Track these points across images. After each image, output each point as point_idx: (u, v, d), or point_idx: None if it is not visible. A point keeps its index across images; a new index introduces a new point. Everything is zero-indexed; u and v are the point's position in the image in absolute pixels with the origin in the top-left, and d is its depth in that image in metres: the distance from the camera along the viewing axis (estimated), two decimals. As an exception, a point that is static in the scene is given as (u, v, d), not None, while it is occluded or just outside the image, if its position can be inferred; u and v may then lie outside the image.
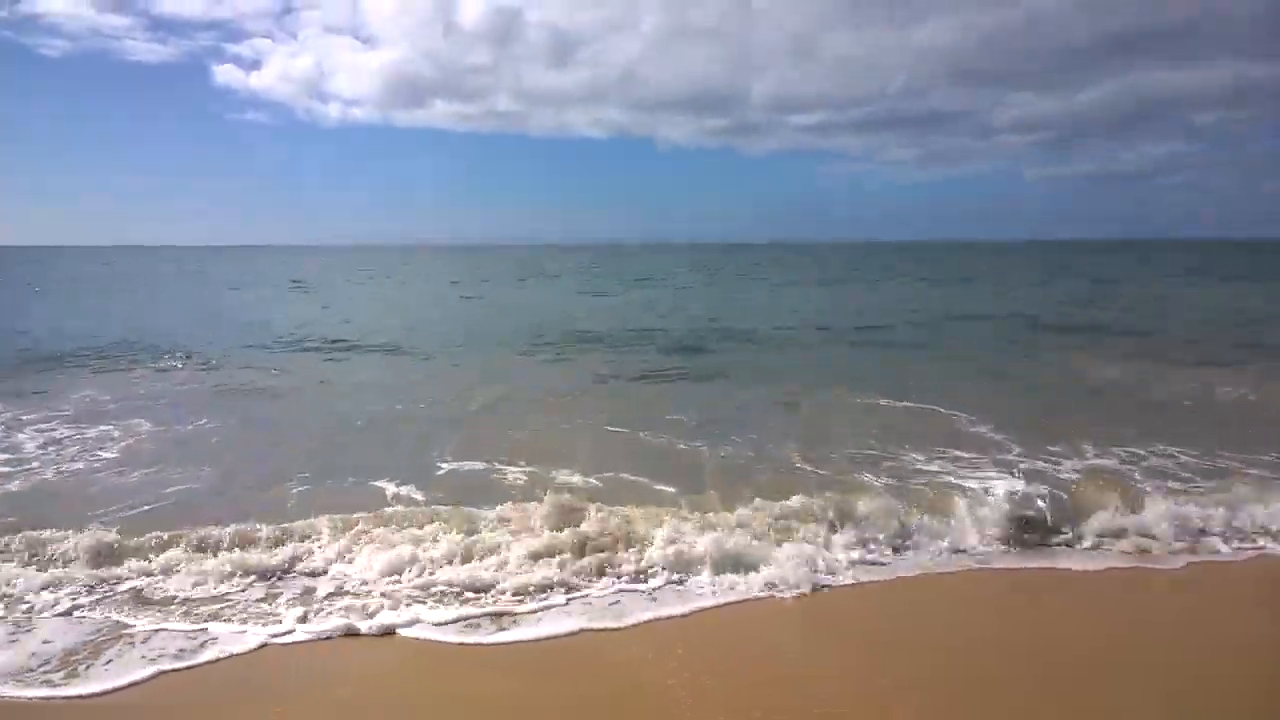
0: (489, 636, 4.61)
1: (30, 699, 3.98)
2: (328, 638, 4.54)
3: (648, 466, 7.75)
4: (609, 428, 9.45)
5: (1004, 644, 4.58)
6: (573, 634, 4.66)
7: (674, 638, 4.63)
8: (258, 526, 5.83)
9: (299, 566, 5.33)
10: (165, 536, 5.68)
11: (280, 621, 4.67)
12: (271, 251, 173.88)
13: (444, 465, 7.90)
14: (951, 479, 7.27)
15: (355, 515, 6.11)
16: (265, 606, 4.89)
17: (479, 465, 7.87)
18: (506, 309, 28.93)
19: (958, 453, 8.16)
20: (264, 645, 4.46)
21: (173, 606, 4.88)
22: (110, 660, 4.31)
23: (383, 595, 4.97)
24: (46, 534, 5.65)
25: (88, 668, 4.24)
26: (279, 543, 5.63)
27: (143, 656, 4.35)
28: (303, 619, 4.68)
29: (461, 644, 4.54)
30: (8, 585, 5.06)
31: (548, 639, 4.60)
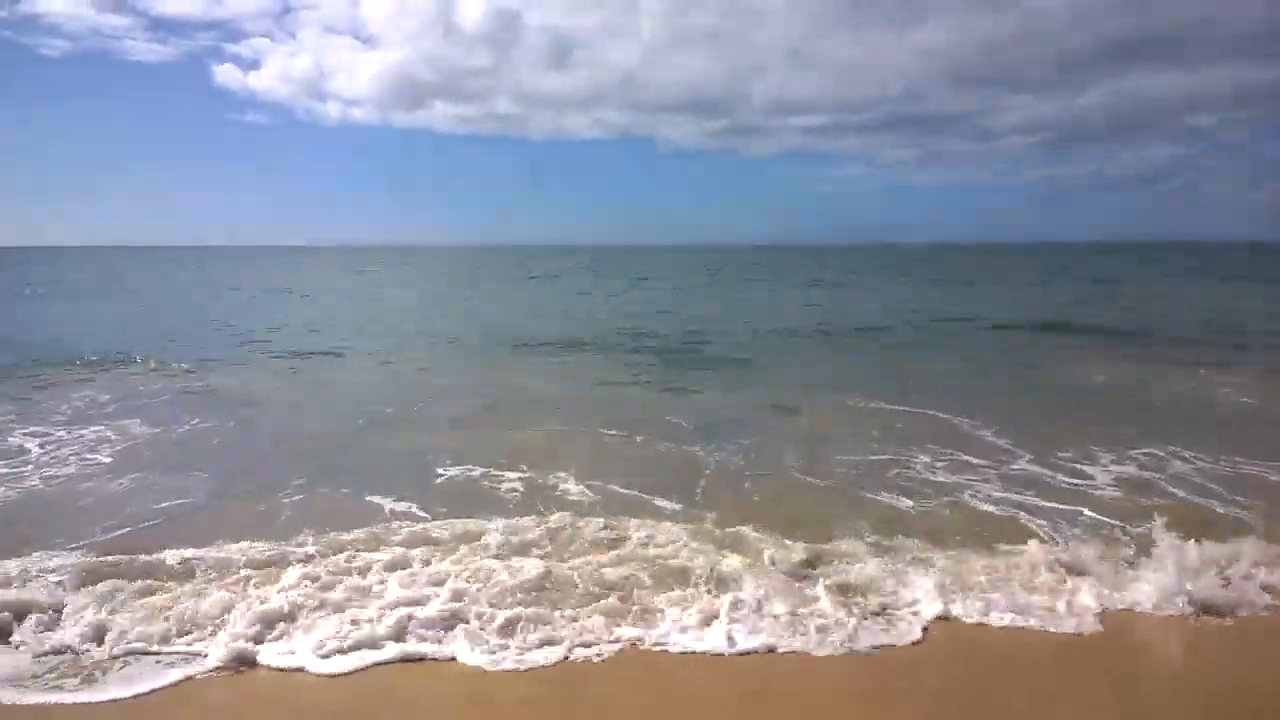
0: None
1: (48, 704, 3.92)
2: (336, 674, 4.31)
3: (647, 473, 7.67)
4: (607, 431, 9.38)
5: (1001, 658, 4.53)
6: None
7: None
8: (253, 546, 5.68)
9: (294, 586, 5.14)
10: (155, 559, 5.47)
11: (274, 638, 4.54)
12: (271, 252, 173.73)
13: (442, 471, 7.80)
14: (981, 504, 6.78)
15: (354, 533, 5.95)
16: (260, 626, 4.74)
17: (476, 471, 7.77)
18: (505, 309, 28.90)
19: (965, 457, 8.09)
20: (266, 664, 4.34)
21: (167, 626, 4.73)
22: (126, 665, 4.26)
23: (385, 619, 4.73)
24: (35, 557, 5.49)
25: (104, 674, 4.17)
26: (271, 564, 5.44)
27: (158, 661, 4.29)
28: (320, 649, 4.46)
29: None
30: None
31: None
